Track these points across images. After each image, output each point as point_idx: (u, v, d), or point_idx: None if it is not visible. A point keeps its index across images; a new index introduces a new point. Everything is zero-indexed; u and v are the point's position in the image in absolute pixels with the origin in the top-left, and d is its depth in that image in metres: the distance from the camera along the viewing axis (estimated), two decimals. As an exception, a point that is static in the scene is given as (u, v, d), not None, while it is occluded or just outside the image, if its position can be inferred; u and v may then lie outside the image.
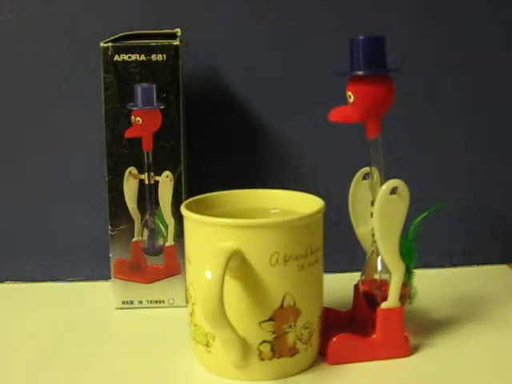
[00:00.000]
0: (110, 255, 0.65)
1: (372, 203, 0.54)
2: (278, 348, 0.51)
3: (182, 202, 0.56)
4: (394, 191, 0.52)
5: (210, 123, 0.72)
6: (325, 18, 0.71)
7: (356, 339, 0.54)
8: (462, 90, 0.73)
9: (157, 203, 0.64)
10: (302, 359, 0.53)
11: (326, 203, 0.53)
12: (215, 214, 0.54)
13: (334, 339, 0.53)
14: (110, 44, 0.61)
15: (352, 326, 0.57)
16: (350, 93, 0.52)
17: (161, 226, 0.64)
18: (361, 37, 0.51)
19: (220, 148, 0.72)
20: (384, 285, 0.54)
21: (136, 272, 0.65)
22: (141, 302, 0.65)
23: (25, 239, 0.72)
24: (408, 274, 0.56)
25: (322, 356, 0.54)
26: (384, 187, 0.52)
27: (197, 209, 0.53)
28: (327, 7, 0.71)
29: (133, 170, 0.63)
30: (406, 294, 0.55)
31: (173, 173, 0.63)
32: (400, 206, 0.52)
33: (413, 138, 0.73)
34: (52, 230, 0.72)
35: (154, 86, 0.62)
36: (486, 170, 0.74)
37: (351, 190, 0.57)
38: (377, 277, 0.55)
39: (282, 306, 0.50)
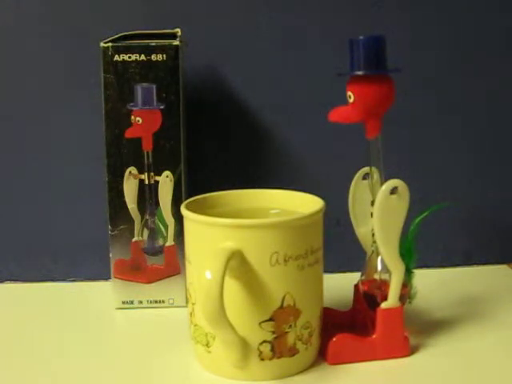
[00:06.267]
0: (110, 255, 0.65)
1: (372, 203, 0.54)
2: (278, 348, 0.51)
3: (181, 202, 0.56)
4: (393, 191, 0.52)
5: (210, 123, 0.72)
6: (325, 18, 0.71)
7: (356, 339, 0.54)
8: (462, 89, 0.73)
9: (157, 203, 0.64)
10: (302, 359, 0.53)
11: (326, 203, 0.53)
12: (215, 213, 0.54)
13: (334, 339, 0.53)
14: (110, 44, 0.61)
15: (352, 326, 0.57)
16: (350, 93, 0.52)
17: (161, 226, 0.64)
18: (361, 37, 0.51)
19: (220, 148, 0.72)
20: (384, 285, 0.54)
21: (136, 272, 0.65)
22: (141, 302, 0.65)
23: (25, 239, 0.72)
24: (408, 273, 0.56)
25: (322, 356, 0.54)
26: (384, 187, 0.52)
27: (197, 209, 0.53)
28: (327, 7, 0.71)
29: (133, 169, 0.63)
30: (406, 293, 0.55)
31: (173, 173, 0.63)
32: (400, 206, 0.52)
33: (413, 137, 0.73)
34: (52, 229, 0.72)
35: (154, 86, 0.62)
36: (486, 169, 0.74)
37: (351, 190, 0.57)
38: (377, 277, 0.55)
39: (281, 306, 0.50)
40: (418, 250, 0.57)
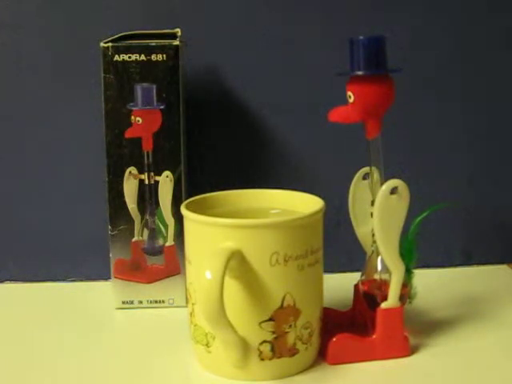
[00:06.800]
0: (110, 255, 0.65)
1: (372, 203, 0.54)
2: (278, 348, 0.51)
3: (181, 202, 0.56)
4: (393, 191, 0.52)
5: (210, 123, 0.72)
6: (325, 18, 0.71)
7: (356, 339, 0.54)
8: (462, 89, 0.73)
9: (157, 203, 0.64)
10: (302, 359, 0.53)
11: (326, 203, 0.53)
12: (215, 214, 0.54)
13: (334, 339, 0.53)
14: (109, 44, 0.61)
15: (352, 326, 0.57)
16: (350, 93, 0.52)
17: (161, 226, 0.64)
18: (361, 37, 0.51)
19: (220, 148, 0.72)
20: (384, 285, 0.54)
21: (136, 272, 0.65)
22: (141, 302, 0.65)
23: (25, 239, 0.72)
24: (408, 273, 0.56)
25: (322, 356, 0.54)
26: (384, 187, 0.52)
27: (197, 209, 0.53)
28: (327, 7, 0.71)
29: (133, 169, 0.63)
30: (406, 293, 0.55)
31: (173, 173, 0.63)
32: (400, 206, 0.52)
33: (413, 137, 0.73)
34: (52, 229, 0.72)
35: (154, 86, 0.62)
36: (486, 170, 0.74)
37: (351, 190, 0.57)
38: (377, 277, 0.55)
39: (282, 306, 0.50)
40: (418, 250, 0.57)
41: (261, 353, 0.51)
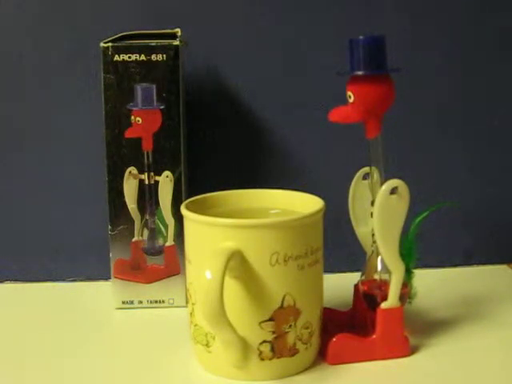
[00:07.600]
0: (110, 255, 0.65)
1: (372, 203, 0.54)
2: (278, 348, 0.51)
3: (181, 202, 0.56)
4: (393, 191, 0.52)
5: (209, 123, 0.72)
6: (325, 18, 0.71)
7: (356, 339, 0.54)
8: (462, 90, 0.73)
9: (157, 203, 0.64)
10: (302, 359, 0.53)
11: (325, 203, 0.53)
12: (215, 213, 0.54)
13: (334, 339, 0.53)
14: (109, 44, 0.61)
15: (352, 326, 0.57)
16: (350, 93, 0.52)
17: (161, 226, 0.64)
18: (361, 37, 0.51)
19: (220, 148, 0.72)
20: (384, 285, 0.54)
21: (136, 272, 0.65)
22: (141, 302, 0.65)
23: (25, 239, 0.72)
24: (408, 274, 0.56)
25: (322, 356, 0.54)
26: (384, 187, 0.52)
27: (197, 209, 0.53)
28: (327, 7, 0.71)
29: (133, 169, 0.63)
30: (406, 293, 0.55)
31: (173, 173, 0.63)
32: (400, 205, 0.52)
33: (413, 137, 0.73)
34: (52, 229, 0.72)
35: (154, 86, 0.62)
36: (486, 169, 0.74)
37: (351, 190, 0.57)
38: (377, 277, 0.55)
39: (282, 306, 0.50)
40: (418, 250, 0.57)
41: (261, 353, 0.51)
